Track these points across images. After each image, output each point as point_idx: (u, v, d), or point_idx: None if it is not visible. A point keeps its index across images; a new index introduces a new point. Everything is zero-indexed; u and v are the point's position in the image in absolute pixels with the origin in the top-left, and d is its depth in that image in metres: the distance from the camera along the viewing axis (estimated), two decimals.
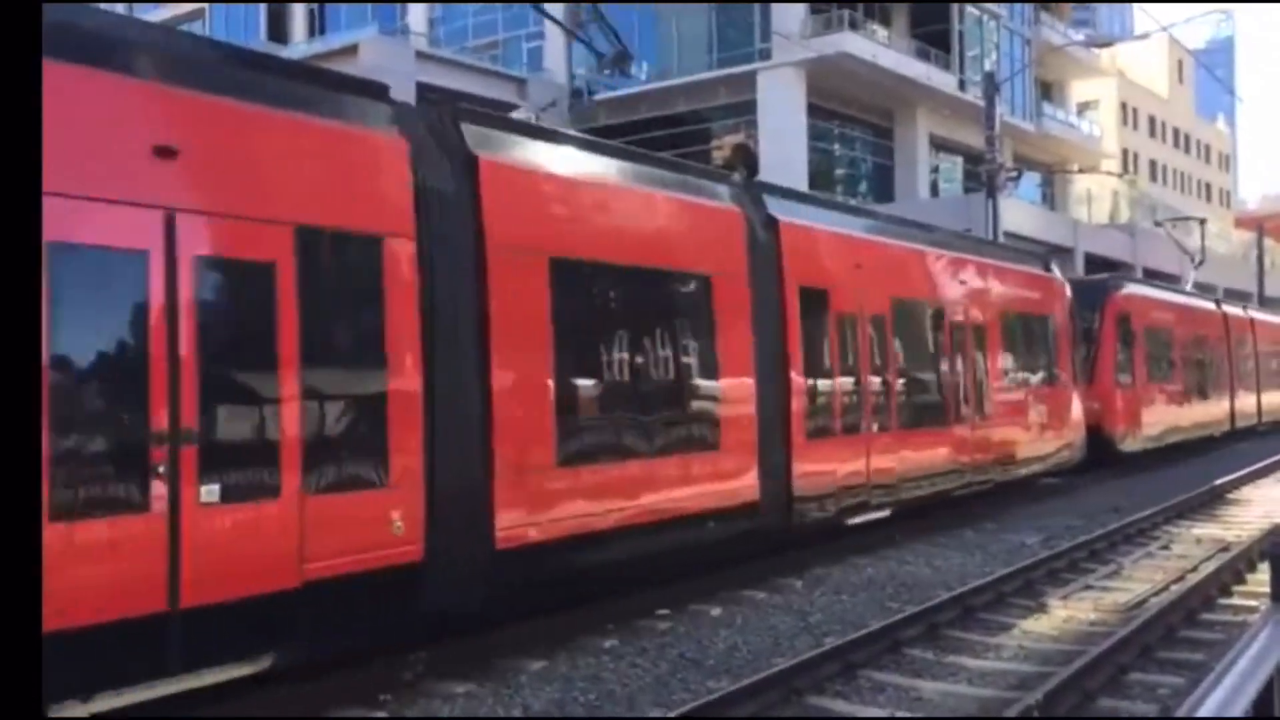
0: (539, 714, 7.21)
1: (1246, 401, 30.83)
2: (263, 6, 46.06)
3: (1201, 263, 34.24)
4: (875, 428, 12.96)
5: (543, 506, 8.49)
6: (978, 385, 15.61)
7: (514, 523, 8.19)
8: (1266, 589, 3.28)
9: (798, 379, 11.71)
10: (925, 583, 11.21)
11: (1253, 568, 11.51)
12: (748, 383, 10.94)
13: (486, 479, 8.02)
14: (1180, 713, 2.29)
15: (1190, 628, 9.30)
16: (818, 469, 11.90)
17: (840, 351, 12.56)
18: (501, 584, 8.18)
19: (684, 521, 9.91)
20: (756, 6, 37.96)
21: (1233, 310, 31.71)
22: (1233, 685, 2.39)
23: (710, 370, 10.47)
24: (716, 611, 9.95)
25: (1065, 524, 14.97)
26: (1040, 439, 17.58)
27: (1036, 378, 17.81)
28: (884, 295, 13.55)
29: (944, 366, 14.90)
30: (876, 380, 13.22)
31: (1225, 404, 28.78)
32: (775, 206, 12.17)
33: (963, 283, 15.74)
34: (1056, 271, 19.81)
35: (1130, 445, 22.09)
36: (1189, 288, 31.48)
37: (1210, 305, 29.94)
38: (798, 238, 12.10)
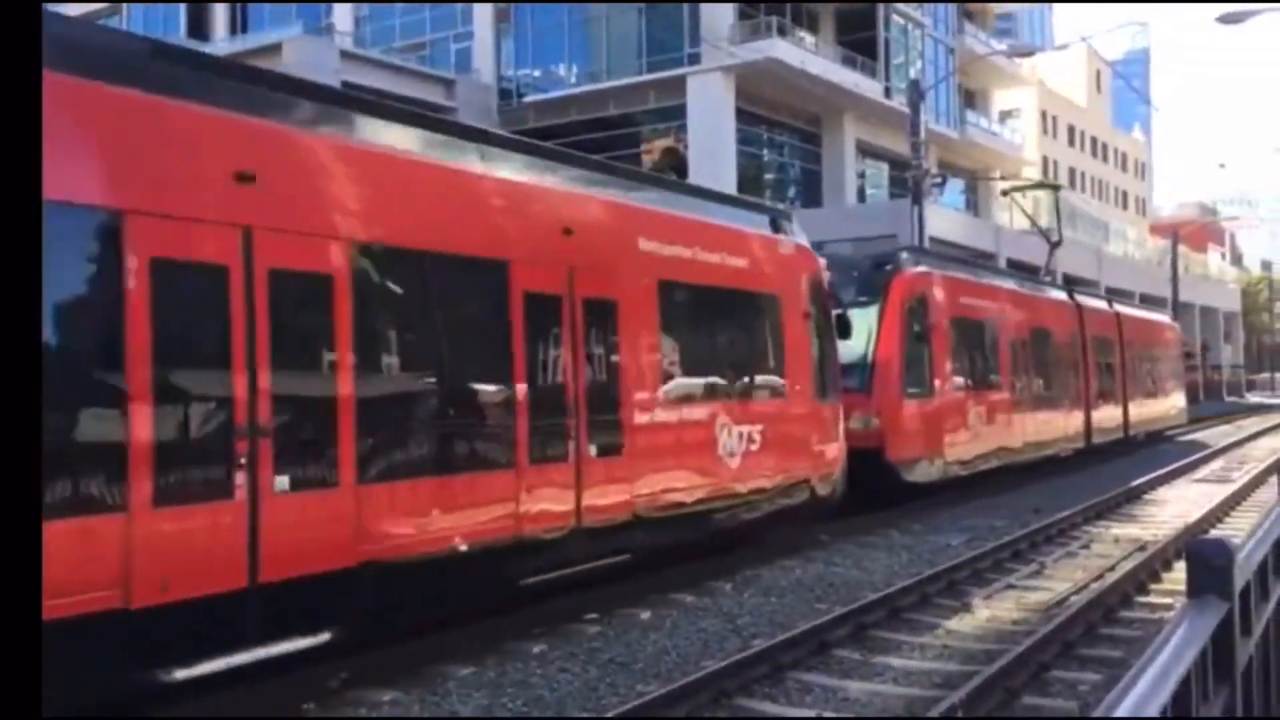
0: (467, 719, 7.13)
1: (1108, 413, 25.79)
2: (183, 2, 45.18)
3: (1059, 243, 29.46)
4: (282, 484, 7.08)
5: None
6: (601, 401, 10.01)
7: None
8: (1183, 586, 3.34)
9: None
10: (853, 583, 11.30)
11: (1169, 566, 11.78)
12: None
13: None
14: (1098, 711, 2.31)
15: (1110, 625, 9.50)
16: None
17: (159, 339, 6.52)
18: None
19: None
20: (685, 10, 38.10)
21: (1092, 302, 27.03)
22: (1152, 680, 2.43)
23: None
24: (646, 615, 9.93)
25: (989, 524, 15.20)
26: (747, 478, 12.02)
27: (740, 386, 12.25)
28: (327, 235, 7.65)
29: (507, 369, 9.04)
30: (298, 389, 7.43)
31: (1078, 415, 23.64)
32: None
33: (565, 233, 9.76)
34: (799, 235, 14.04)
35: (925, 473, 16.86)
36: (1043, 274, 28.20)
37: (1059, 295, 24.97)
38: None
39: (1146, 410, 29.44)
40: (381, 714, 7.23)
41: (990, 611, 10.09)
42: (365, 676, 7.76)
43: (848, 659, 8.49)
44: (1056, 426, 22.54)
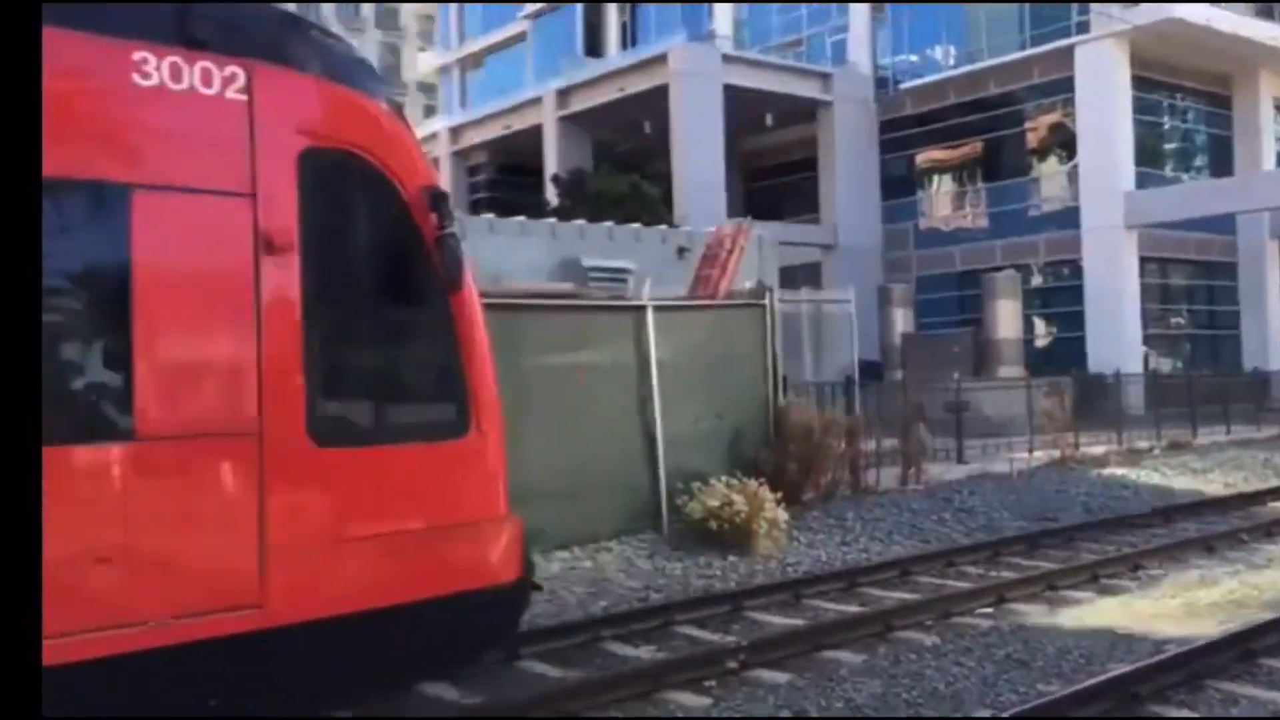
0: (863, 706, 7.18)
1: None
2: (580, 22, 48.39)
3: None
4: None
5: None
6: None
7: None
8: None
9: None
10: None
11: None
12: None
13: None
14: None
15: None
16: None
17: None
18: None
19: None
20: None
21: None
22: None
23: None
24: (1042, 611, 9.56)
25: None
26: None
27: None
28: None
29: None
30: None
31: None
32: None
33: None
34: None
35: None
36: None
37: None
38: None
39: None
40: (779, 696, 7.44)
41: None
42: (762, 659, 8.02)
43: (1279, 670, 7.77)
44: None
